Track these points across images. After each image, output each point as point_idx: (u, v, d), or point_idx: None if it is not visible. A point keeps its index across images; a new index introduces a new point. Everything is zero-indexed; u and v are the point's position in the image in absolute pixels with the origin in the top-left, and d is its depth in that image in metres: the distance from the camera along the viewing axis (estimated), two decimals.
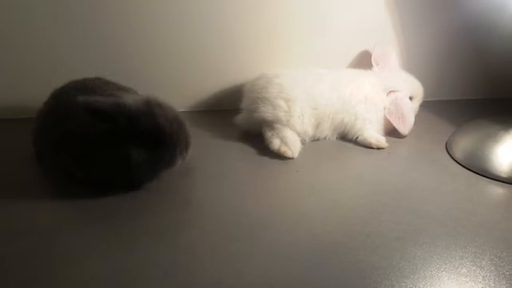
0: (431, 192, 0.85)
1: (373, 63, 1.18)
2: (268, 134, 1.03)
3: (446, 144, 1.05)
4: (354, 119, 1.07)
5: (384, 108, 1.10)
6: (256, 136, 1.06)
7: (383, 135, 1.10)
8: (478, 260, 0.65)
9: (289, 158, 0.98)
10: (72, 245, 0.70)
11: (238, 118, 1.11)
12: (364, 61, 1.24)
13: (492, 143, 0.95)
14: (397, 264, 0.64)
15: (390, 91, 1.11)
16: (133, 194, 0.83)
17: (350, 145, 1.07)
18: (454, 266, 0.64)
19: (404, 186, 0.87)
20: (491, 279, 0.62)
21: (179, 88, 1.22)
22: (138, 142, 0.77)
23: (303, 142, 1.04)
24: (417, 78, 1.17)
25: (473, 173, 0.92)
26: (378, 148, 1.04)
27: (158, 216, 0.77)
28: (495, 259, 0.65)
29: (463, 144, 1.01)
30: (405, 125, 1.08)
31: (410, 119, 1.09)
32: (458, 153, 0.99)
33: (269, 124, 1.04)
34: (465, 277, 0.62)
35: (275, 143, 1.00)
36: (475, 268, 0.64)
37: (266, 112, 1.03)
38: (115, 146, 0.77)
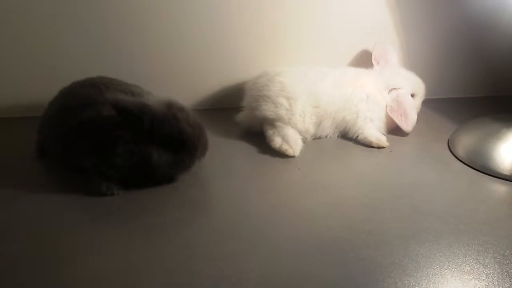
0: (433, 190, 0.84)
1: (373, 62, 1.17)
2: (270, 132, 1.02)
3: (448, 141, 1.05)
4: (355, 117, 1.06)
5: (386, 106, 1.09)
6: (257, 134, 1.05)
7: (386, 134, 1.09)
8: (481, 258, 0.65)
9: (290, 157, 0.98)
10: (72, 243, 0.69)
11: (240, 116, 1.10)
12: (364, 60, 1.23)
13: (494, 140, 0.95)
14: (399, 262, 0.64)
15: (392, 89, 1.10)
16: (134, 193, 0.83)
17: (352, 143, 1.06)
18: (457, 264, 0.64)
19: (406, 183, 0.87)
20: (494, 277, 0.61)
21: (181, 86, 1.22)
22: (160, 144, 0.80)
23: (304, 140, 1.04)
24: (418, 76, 1.17)
25: (476, 170, 0.92)
26: (379, 147, 1.03)
27: (158, 214, 0.76)
28: (498, 257, 0.65)
29: (465, 141, 1.01)
30: (408, 122, 1.08)
31: (413, 116, 1.09)
32: (460, 150, 0.98)
33: (271, 122, 1.03)
34: (468, 275, 0.62)
35: (277, 141, 1.00)
36: (478, 266, 0.63)
37: (268, 110, 1.03)
38: (138, 145, 0.79)
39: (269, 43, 1.22)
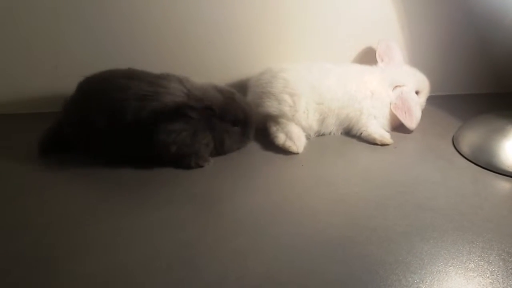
0: (438, 187, 0.84)
1: (377, 59, 1.16)
2: (273, 128, 1.02)
3: (452, 138, 1.05)
4: (359, 114, 1.06)
5: (390, 103, 1.09)
6: (261, 131, 1.05)
7: (390, 131, 1.09)
8: (486, 255, 0.65)
9: (294, 153, 0.97)
10: (74, 239, 0.69)
11: None
12: (368, 57, 1.23)
13: (499, 137, 0.95)
14: (403, 259, 0.64)
15: (396, 86, 1.10)
16: (136, 189, 0.83)
17: (356, 140, 1.06)
18: (461, 261, 0.64)
19: (410, 180, 0.86)
20: (499, 274, 0.61)
21: None
22: (229, 124, 0.93)
23: (308, 137, 1.03)
24: (423, 72, 1.16)
25: (480, 167, 0.91)
26: (382, 145, 1.02)
27: (161, 210, 0.76)
28: (503, 254, 0.65)
29: (470, 138, 1.00)
30: (412, 120, 1.07)
31: (417, 113, 1.08)
32: (465, 147, 0.98)
33: (274, 119, 1.03)
34: (472, 272, 0.61)
35: (280, 138, 0.99)
36: (483, 263, 0.63)
37: (271, 106, 1.02)
38: (212, 131, 0.92)
39: (273, 39, 1.21)
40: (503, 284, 0.59)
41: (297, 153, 0.98)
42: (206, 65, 1.20)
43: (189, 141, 0.88)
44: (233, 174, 0.90)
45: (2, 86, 1.19)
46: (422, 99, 1.15)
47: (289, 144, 0.98)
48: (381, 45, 1.17)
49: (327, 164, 0.95)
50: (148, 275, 0.61)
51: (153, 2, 1.13)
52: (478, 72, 1.35)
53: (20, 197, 0.82)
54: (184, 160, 0.90)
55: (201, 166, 0.91)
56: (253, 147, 1.01)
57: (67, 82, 1.15)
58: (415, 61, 1.22)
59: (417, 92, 1.13)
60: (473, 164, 0.92)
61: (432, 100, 1.21)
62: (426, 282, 0.59)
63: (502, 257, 0.64)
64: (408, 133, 1.09)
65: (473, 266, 0.63)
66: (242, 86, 1.15)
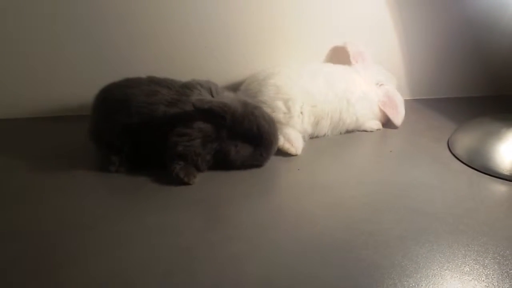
0: (433, 190, 0.84)
1: (352, 60, 1.18)
2: None
3: (447, 141, 1.05)
4: (355, 119, 1.09)
5: (378, 101, 1.13)
6: None
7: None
8: (481, 259, 0.65)
9: (292, 155, 0.98)
10: (71, 244, 0.69)
11: None
12: (339, 58, 1.24)
13: (494, 140, 0.95)
14: (399, 262, 0.64)
15: (380, 84, 1.14)
16: (133, 195, 0.83)
17: (352, 143, 1.07)
18: (457, 264, 0.64)
19: (406, 183, 0.87)
20: (494, 277, 0.61)
21: None
22: (239, 139, 0.89)
23: (303, 139, 1.04)
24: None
25: (475, 170, 0.92)
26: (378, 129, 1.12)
27: (159, 215, 0.76)
28: (498, 258, 0.65)
29: (465, 141, 1.01)
30: (399, 116, 1.12)
31: (402, 110, 1.13)
32: (460, 150, 0.98)
33: None
34: (468, 276, 0.62)
35: (279, 140, 0.99)
36: (478, 266, 0.63)
37: None
38: (219, 142, 0.88)
39: (268, 43, 1.22)
40: (498, 287, 0.59)
41: (296, 155, 0.98)
42: (202, 69, 1.21)
43: (197, 145, 0.86)
44: (230, 179, 0.90)
45: None
46: None
47: (287, 146, 0.98)
48: (351, 47, 1.19)
49: (324, 168, 0.95)
50: (146, 280, 0.61)
51: (150, 8, 1.13)
52: (473, 75, 1.36)
53: (16, 202, 0.81)
54: (175, 167, 0.86)
55: (187, 183, 0.85)
56: None
57: (64, 87, 1.17)
58: (411, 65, 1.23)
59: None
60: (468, 167, 0.93)
61: (428, 103, 1.22)
62: (422, 285, 0.60)
63: (497, 260, 0.65)
64: (395, 129, 1.13)
65: (468, 269, 0.63)
66: (236, 90, 1.15)
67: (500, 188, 0.86)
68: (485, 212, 0.77)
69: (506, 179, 0.88)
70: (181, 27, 1.16)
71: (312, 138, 1.08)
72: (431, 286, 0.60)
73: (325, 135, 1.09)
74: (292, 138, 0.99)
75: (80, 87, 1.19)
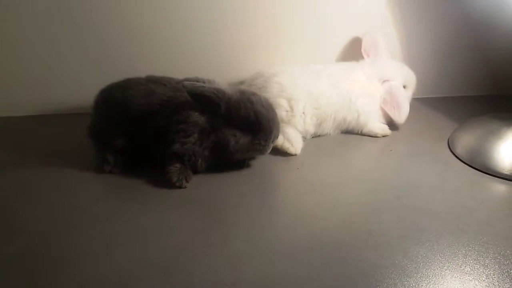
0: (433, 190, 0.84)
1: (363, 54, 1.17)
2: None
3: (448, 141, 1.05)
4: (357, 116, 1.07)
5: (380, 98, 1.10)
6: None
7: (385, 123, 1.11)
8: (482, 258, 0.64)
9: (292, 155, 0.97)
10: (68, 244, 0.69)
11: None
12: (356, 52, 1.22)
13: (495, 140, 0.94)
14: (399, 262, 0.63)
15: (385, 81, 1.11)
16: (130, 194, 0.83)
17: (352, 141, 1.06)
18: (457, 264, 0.63)
19: (406, 183, 0.86)
20: (494, 277, 0.61)
21: None
22: (237, 127, 0.85)
23: (303, 139, 1.03)
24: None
25: (476, 170, 0.91)
26: (384, 136, 1.07)
27: (155, 215, 0.76)
28: (498, 257, 0.65)
29: (465, 141, 1.00)
30: (401, 114, 1.09)
31: (405, 107, 1.09)
32: (460, 150, 0.98)
33: None
34: (468, 276, 0.61)
35: (278, 139, 0.99)
36: (478, 266, 0.63)
37: None
38: (215, 131, 0.85)
39: (266, 42, 1.21)
40: (498, 287, 0.59)
41: (295, 155, 0.97)
42: (200, 68, 1.20)
43: (194, 142, 0.85)
44: (226, 177, 0.89)
45: None
46: (408, 94, 1.16)
47: (287, 146, 0.98)
48: (366, 40, 1.17)
49: (323, 167, 0.95)
50: (141, 280, 0.60)
51: (149, 8, 1.13)
52: (474, 74, 1.35)
53: (12, 201, 0.81)
54: (169, 170, 0.85)
55: (181, 187, 0.84)
56: None
57: (64, 86, 1.16)
58: (412, 63, 1.22)
59: (404, 86, 1.14)
60: (468, 167, 0.92)
61: (428, 102, 1.21)
62: (422, 285, 0.59)
63: (498, 260, 0.64)
64: (397, 128, 1.10)
65: (469, 269, 0.62)
66: (240, 85, 1.15)
67: (500, 187, 0.85)
68: (485, 212, 0.76)
69: (506, 179, 0.87)
70: (181, 26, 1.16)
71: (314, 137, 1.08)
72: (431, 286, 0.59)
73: (327, 134, 1.09)
74: (292, 138, 0.99)
75: (80, 86, 1.18)
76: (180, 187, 0.84)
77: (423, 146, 1.03)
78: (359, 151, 1.02)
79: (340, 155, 1.00)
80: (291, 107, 1.02)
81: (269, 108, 0.87)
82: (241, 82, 1.13)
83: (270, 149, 0.90)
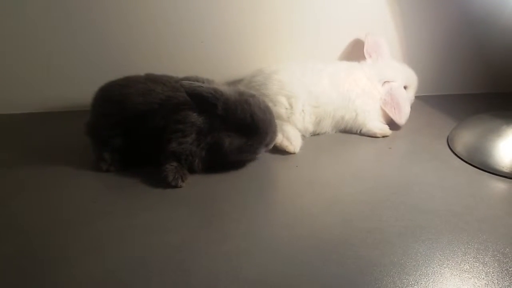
0: (433, 187, 0.84)
1: (365, 55, 1.16)
2: None
3: (447, 138, 1.04)
4: (355, 115, 1.07)
5: (380, 99, 1.10)
6: None
7: (385, 123, 1.10)
8: (481, 256, 0.64)
9: (290, 153, 0.97)
10: (64, 242, 0.69)
11: None
12: (358, 53, 1.22)
13: (494, 137, 0.94)
14: (398, 260, 0.63)
15: (385, 82, 1.11)
16: (129, 191, 0.83)
17: (350, 139, 1.06)
18: (456, 262, 0.63)
19: (405, 181, 0.86)
20: (494, 275, 0.61)
21: None
22: (233, 129, 0.84)
23: (303, 137, 1.03)
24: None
25: (475, 168, 0.91)
26: (383, 136, 1.05)
27: (153, 212, 0.76)
28: (498, 255, 0.64)
29: (465, 138, 1.00)
30: (401, 115, 1.08)
31: (406, 108, 1.09)
32: (460, 147, 0.97)
33: None
34: (467, 274, 0.61)
35: (277, 138, 0.99)
36: (478, 264, 0.63)
37: None
38: (211, 131, 0.84)
39: (265, 39, 1.21)
40: (498, 285, 0.59)
41: (294, 153, 0.97)
42: (200, 65, 1.20)
43: (191, 142, 0.84)
44: (226, 176, 0.89)
45: None
46: (410, 94, 1.16)
47: (286, 144, 0.97)
48: (368, 41, 1.17)
49: (322, 165, 0.94)
50: (139, 278, 0.60)
51: (148, 6, 1.12)
52: (473, 72, 1.35)
53: (9, 199, 0.81)
54: (165, 169, 0.84)
55: (177, 186, 0.83)
56: None
57: (63, 85, 1.16)
58: (411, 61, 1.22)
59: (405, 87, 1.13)
60: (468, 165, 0.92)
61: (427, 100, 1.21)
62: (421, 283, 0.59)
63: (497, 258, 0.64)
64: (398, 129, 1.09)
65: (468, 267, 0.62)
66: (240, 82, 1.14)
67: (499, 185, 0.85)
68: (485, 209, 0.76)
69: (506, 177, 0.87)
70: (180, 25, 1.16)
71: (313, 135, 1.08)
72: (430, 284, 0.59)
73: (325, 132, 1.09)
74: (291, 136, 0.99)
75: (78, 84, 1.18)
76: (175, 186, 0.83)
77: (422, 144, 1.03)
78: (358, 149, 1.02)
79: (339, 153, 1.00)
80: (291, 105, 1.02)
81: (267, 111, 0.87)
82: (241, 80, 1.12)
83: (262, 152, 0.90)
